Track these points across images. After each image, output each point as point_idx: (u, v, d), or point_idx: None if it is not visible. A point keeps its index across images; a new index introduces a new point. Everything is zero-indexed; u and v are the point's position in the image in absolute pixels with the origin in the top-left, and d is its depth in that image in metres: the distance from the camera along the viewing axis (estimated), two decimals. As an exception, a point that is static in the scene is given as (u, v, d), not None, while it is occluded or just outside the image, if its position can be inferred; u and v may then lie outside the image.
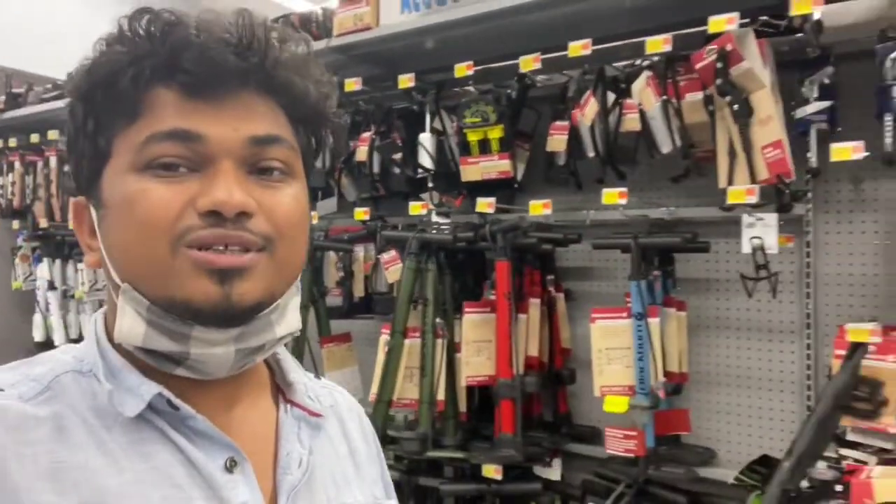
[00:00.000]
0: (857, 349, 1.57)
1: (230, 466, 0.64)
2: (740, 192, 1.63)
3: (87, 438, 0.60)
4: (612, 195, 1.78)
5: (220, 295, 0.60)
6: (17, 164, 3.52)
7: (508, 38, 2.09)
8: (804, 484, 1.55)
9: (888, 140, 1.60)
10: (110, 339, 0.66)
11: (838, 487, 1.42)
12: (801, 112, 1.72)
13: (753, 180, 1.66)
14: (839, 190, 1.88)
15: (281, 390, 0.74)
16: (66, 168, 2.73)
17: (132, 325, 0.61)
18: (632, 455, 1.86)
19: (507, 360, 1.96)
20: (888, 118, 1.60)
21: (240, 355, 0.64)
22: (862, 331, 1.55)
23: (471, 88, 2.37)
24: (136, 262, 0.61)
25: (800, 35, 1.69)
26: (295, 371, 0.75)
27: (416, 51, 2.25)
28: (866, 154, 1.54)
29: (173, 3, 0.63)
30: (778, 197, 1.78)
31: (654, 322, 1.86)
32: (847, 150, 1.55)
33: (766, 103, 1.63)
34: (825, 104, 1.70)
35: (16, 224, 3.60)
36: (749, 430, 2.02)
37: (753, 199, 1.62)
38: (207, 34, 0.60)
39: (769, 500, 1.53)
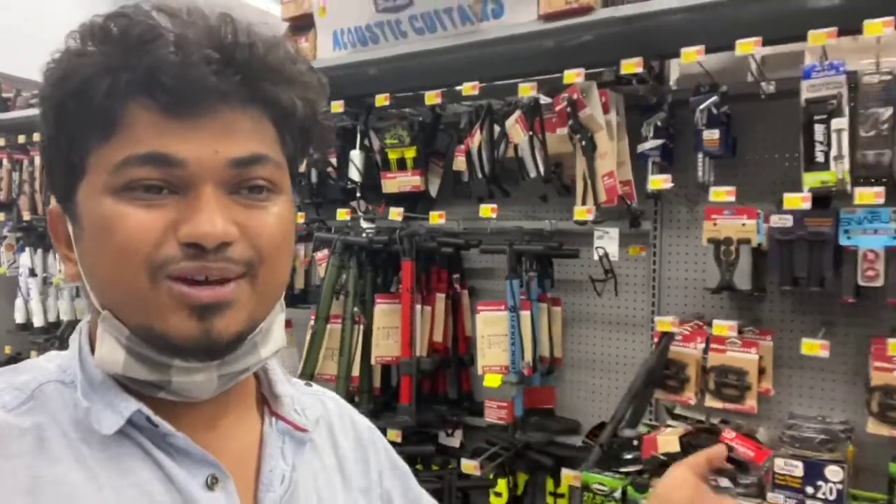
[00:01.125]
0: (665, 337, 1.98)
1: (211, 484, 0.62)
2: (583, 211, 2.04)
3: (66, 452, 0.59)
4: (487, 209, 2.20)
5: (199, 331, 0.58)
6: (5, 162, 3.87)
7: (420, 75, 2.50)
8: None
9: (700, 172, 2.02)
10: (93, 350, 0.63)
11: (635, 442, 1.84)
12: (641, 147, 2.13)
13: (597, 202, 2.07)
14: (679, 210, 2.29)
15: (267, 401, 0.73)
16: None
17: (111, 352, 0.60)
18: (503, 422, 2.28)
19: (408, 344, 2.37)
20: (700, 156, 2.02)
21: (223, 380, 0.63)
22: (666, 322, 1.96)
23: (396, 111, 2.77)
24: (115, 290, 0.60)
25: (636, 86, 2.10)
26: (282, 383, 0.74)
27: (349, 80, 2.65)
28: (672, 185, 1.96)
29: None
30: (630, 215, 2.21)
31: (525, 314, 2.28)
32: (659, 181, 1.97)
33: (603, 141, 2.04)
34: (658, 142, 2.11)
35: (2, 216, 3.96)
36: (608, 405, 2.44)
37: (592, 217, 2.03)
38: (186, 50, 0.55)
39: (593, 454, 1.94)
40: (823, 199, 1.81)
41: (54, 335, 3.86)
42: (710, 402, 1.93)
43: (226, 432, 0.67)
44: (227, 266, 0.59)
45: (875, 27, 1.59)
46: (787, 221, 1.83)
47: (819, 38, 1.66)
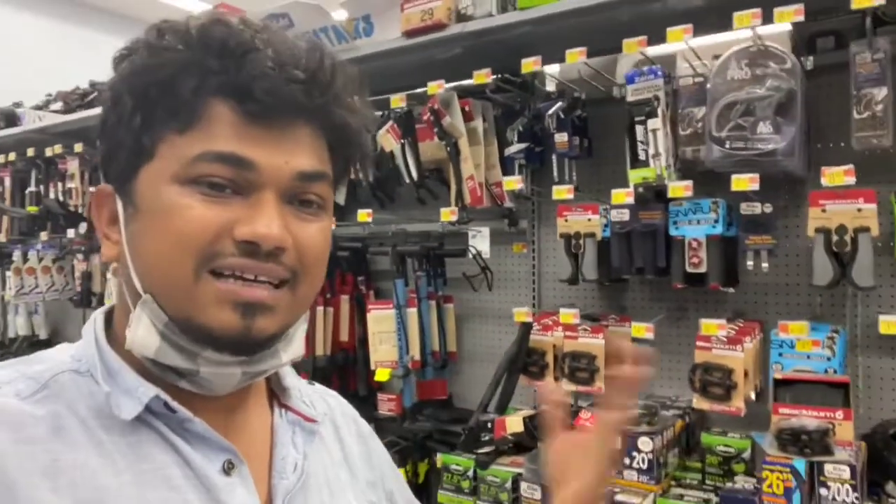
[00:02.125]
0: (522, 327, 2.13)
1: (228, 469, 0.64)
2: (447, 213, 2.19)
3: (84, 438, 0.60)
4: (364, 214, 2.35)
5: (241, 326, 0.61)
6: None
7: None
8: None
9: (555, 173, 2.17)
10: (109, 339, 0.66)
11: (489, 425, 1.98)
12: (507, 151, 2.28)
13: (464, 203, 2.22)
14: (551, 209, 2.43)
15: (275, 395, 0.75)
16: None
17: (146, 336, 0.61)
18: (393, 413, 2.42)
19: (307, 343, 2.52)
20: (554, 157, 2.17)
21: (245, 377, 0.65)
22: (522, 313, 2.11)
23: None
24: (161, 275, 0.61)
25: (496, 94, 2.25)
26: (291, 376, 0.76)
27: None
28: (522, 186, 2.11)
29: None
30: (508, 214, 2.36)
31: (412, 311, 2.42)
32: (513, 182, 2.12)
33: (465, 147, 2.19)
34: (522, 146, 2.26)
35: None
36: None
37: (455, 218, 2.18)
38: (283, 67, 0.60)
39: (462, 438, 2.08)
40: (659, 194, 1.96)
41: (9, 350, 4.02)
42: (566, 385, 2.07)
43: (239, 422, 0.69)
44: (275, 268, 0.62)
45: (676, 34, 1.74)
46: (625, 215, 1.97)
47: (631, 45, 1.81)
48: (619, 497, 1.65)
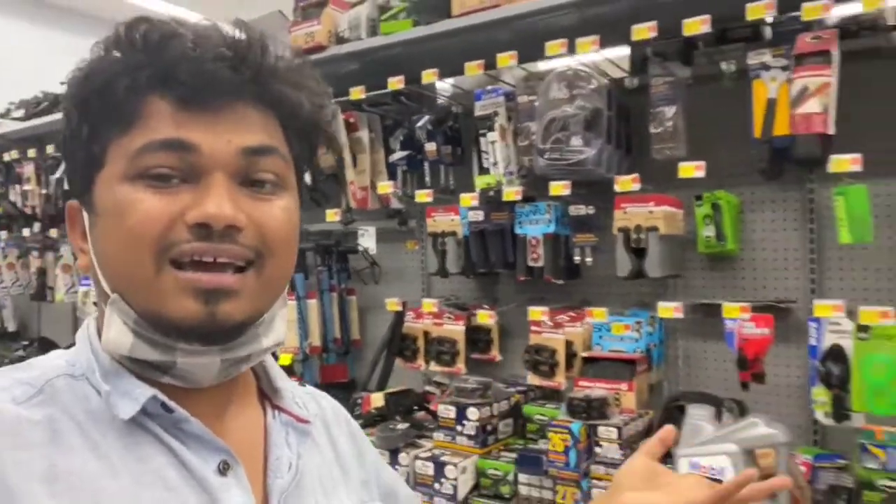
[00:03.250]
0: (396, 315, 2.40)
1: (223, 469, 0.64)
2: (332, 214, 2.46)
3: (81, 442, 0.60)
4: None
5: (204, 314, 0.60)
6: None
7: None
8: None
9: (428, 178, 2.44)
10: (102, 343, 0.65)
11: (359, 401, 2.25)
12: (391, 158, 2.55)
13: (349, 206, 2.49)
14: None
15: (267, 396, 0.74)
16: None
17: (119, 334, 0.62)
18: (294, 394, 2.70)
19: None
20: (426, 164, 2.43)
21: (225, 364, 0.64)
22: (393, 303, 2.38)
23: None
24: (124, 273, 0.62)
25: (382, 107, 2.52)
26: (282, 378, 0.76)
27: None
28: (394, 190, 2.38)
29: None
30: (394, 215, 2.63)
31: (311, 303, 2.69)
32: (386, 187, 2.39)
33: (347, 156, 2.46)
34: (404, 153, 2.52)
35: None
36: (396, 377, 2.86)
37: (339, 218, 2.45)
38: (203, 47, 0.60)
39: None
40: (529, 198, 2.21)
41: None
42: (433, 367, 2.34)
43: (231, 423, 0.69)
44: (234, 248, 0.61)
45: (503, 59, 2.01)
46: (479, 216, 2.24)
47: (471, 68, 2.08)
48: (443, 458, 1.92)
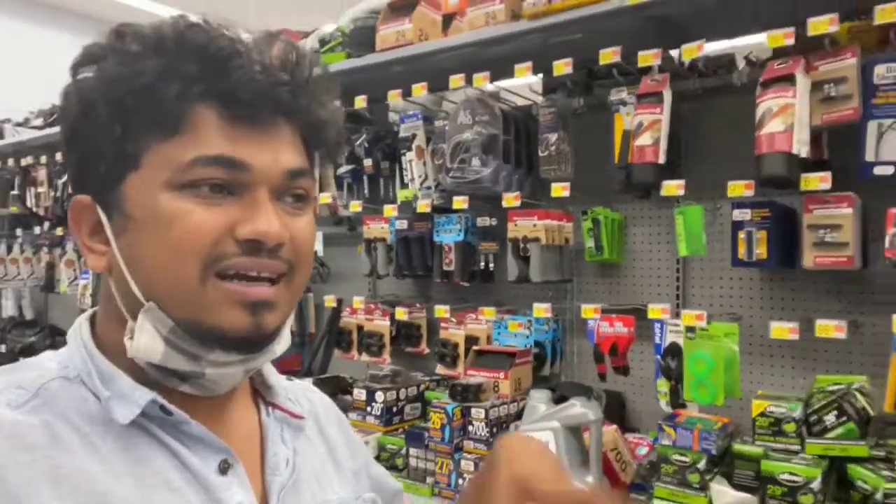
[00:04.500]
0: (333, 311, 2.71)
1: (224, 469, 0.65)
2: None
3: (80, 445, 0.60)
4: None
5: (251, 324, 0.62)
6: None
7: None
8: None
9: (366, 190, 2.75)
10: (98, 345, 0.65)
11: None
12: (338, 171, 2.86)
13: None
14: (383, 217, 3.01)
15: (260, 394, 0.75)
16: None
17: (150, 343, 0.62)
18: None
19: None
20: (365, 177, 2.74)
21: (245, 375, 0.67)
22: (330, 299, 2.69)
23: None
24: (166, 282, 0.61)
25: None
26: (274, 375, 0.77)
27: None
28: (332, 201, 2.70)
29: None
30: (340, 221, 2.94)
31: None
32: (326, 197, 2.70)
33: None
34: (349, 167, 2.83)
35: None
36: (346, 367, 3.17)
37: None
38: (268, 71, 0.61)
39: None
40: (446, 209, 2.51)
41: (5, 330, 4.73)
42: (364, 358, 2.65)
43: (229, 422, 0.69)
44: (276, 263, 0.63)
45: (417, 89, 2.31)
46: (405, 225, 2.54)
47: (393, 96, 2.38)
48: (350, 433, 2.22)
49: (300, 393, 0.82)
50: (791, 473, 1.56)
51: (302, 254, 0.66)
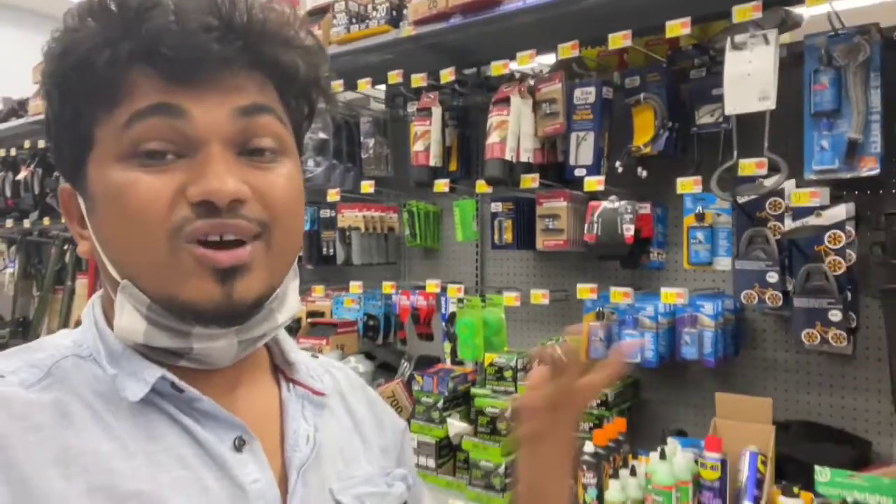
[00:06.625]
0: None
1: (239, 446, 0.63)
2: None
3: (92, 423, 0.59)
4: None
5: (221, 295, 0.58)
6: None
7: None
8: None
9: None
10: (109, 323, 0.64)
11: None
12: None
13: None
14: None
15: (281, 370, 0.73)
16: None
17: (131, 322, 0.60)
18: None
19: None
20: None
21: (242, 345, 0.63)
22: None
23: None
24: (135, 258, 0.59)
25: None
26: (295, 351, 0.75)
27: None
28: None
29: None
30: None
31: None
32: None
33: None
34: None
35: None
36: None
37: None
38: (186, 18, 0.56)
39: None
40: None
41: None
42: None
43: (245, 397, 0.68)
44: (240, 223, 0.58)
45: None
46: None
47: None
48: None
49: (322, 369, 0.79)
50: (492, 407, 2.00)
51: (277, 211, 0.61)
